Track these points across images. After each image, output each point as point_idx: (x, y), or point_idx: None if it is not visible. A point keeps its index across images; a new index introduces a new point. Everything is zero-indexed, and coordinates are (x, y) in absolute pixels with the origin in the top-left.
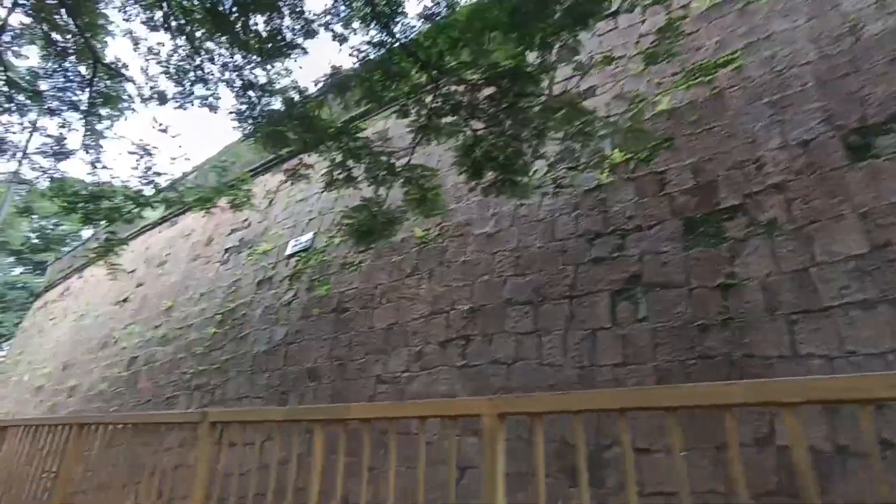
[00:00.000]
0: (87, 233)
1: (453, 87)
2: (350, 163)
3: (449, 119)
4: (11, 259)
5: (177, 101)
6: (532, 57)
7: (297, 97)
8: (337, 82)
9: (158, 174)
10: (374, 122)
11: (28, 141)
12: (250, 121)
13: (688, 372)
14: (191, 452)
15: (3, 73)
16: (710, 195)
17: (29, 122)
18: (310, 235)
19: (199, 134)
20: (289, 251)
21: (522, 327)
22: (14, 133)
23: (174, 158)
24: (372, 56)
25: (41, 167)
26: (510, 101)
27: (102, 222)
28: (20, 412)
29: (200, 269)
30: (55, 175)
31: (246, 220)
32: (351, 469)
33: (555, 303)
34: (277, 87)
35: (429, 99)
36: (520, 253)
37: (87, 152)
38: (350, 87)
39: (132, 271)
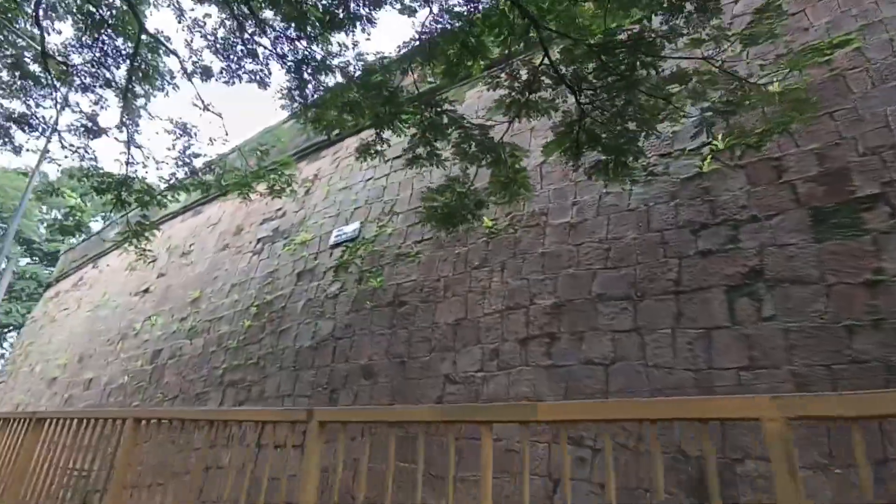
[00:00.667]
0: (96, 225)
1: (557, 56)
2: (430, 137)
3: (545, 93)
4: (20, 248)
5: (223, 77)
6: (656, 22)
7: (362, 67)
8: (423, 48)
9: (196, 155)
10: (459, 95)
11: (57, 117)
12: (301, 98)
13: (837, 378)
14: (225, 452)
15: (36, 45)
16: (841, 183)
17: (60, 97)
18: (356, 225)
19: (237, 116)
20: (332, 241)
21: (619, 325)
22: (45, 108)
23: (212, 140)
24: (457, 21)
25: (71, 145)
26: (625, 72)
27: (133, 206)
28: (32, 404)
29: (230, 260)
30: (86, 154)
31: (280, 209)
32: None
33: (657, 298)
34: (336, 61)
35: (523, 74)
36: (609, 245)
37: (122, 130)
38: (437, 55)
39: (153, 261)
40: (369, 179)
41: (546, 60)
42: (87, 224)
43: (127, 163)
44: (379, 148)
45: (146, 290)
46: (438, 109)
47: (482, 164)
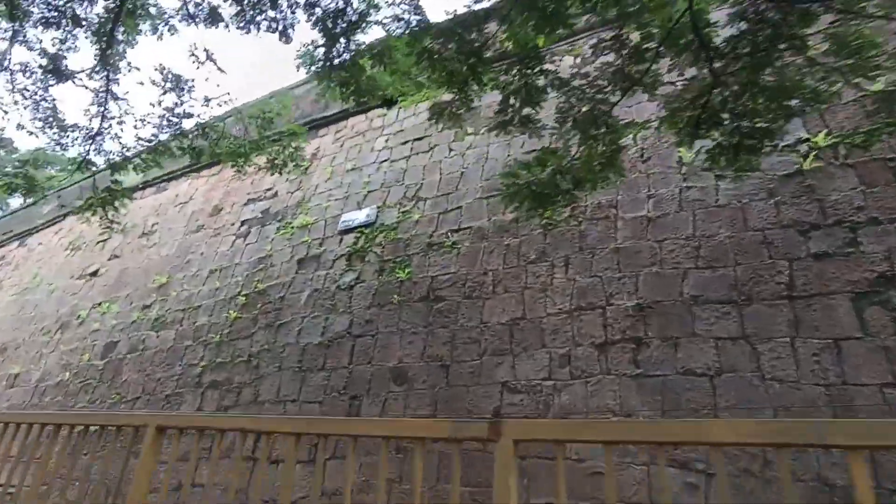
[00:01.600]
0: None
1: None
2: (523, 99)
3: (656, 64)
4: None
5: (236, 22)
6: None
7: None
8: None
9: (187, 115)
10: (557, 55)
11: (7, 52)
12: (329, 57)
13: None
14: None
15: None
16: None
17: (8, 27)
18: (372, 209)
19: (237, 74)
20: (342, 227)
21: (722, 331)
22: None
23: (209, 100)
24: None
25: (25, 89)
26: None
27: (102, 168)
28: None
29: (206, 243)
30: (43, 101)
31: (270, 189)
32: None
33: (767, 303)
34: (381, 15)
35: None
36: (699, 242)
37: (96, 75)
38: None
39: (103, 241)
40: (384, 161)
41: (686, 18)
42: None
43: (102, 116)
44: (460, 110)
45: (94, 273)
46: (537, 68)
47: (587, 137)
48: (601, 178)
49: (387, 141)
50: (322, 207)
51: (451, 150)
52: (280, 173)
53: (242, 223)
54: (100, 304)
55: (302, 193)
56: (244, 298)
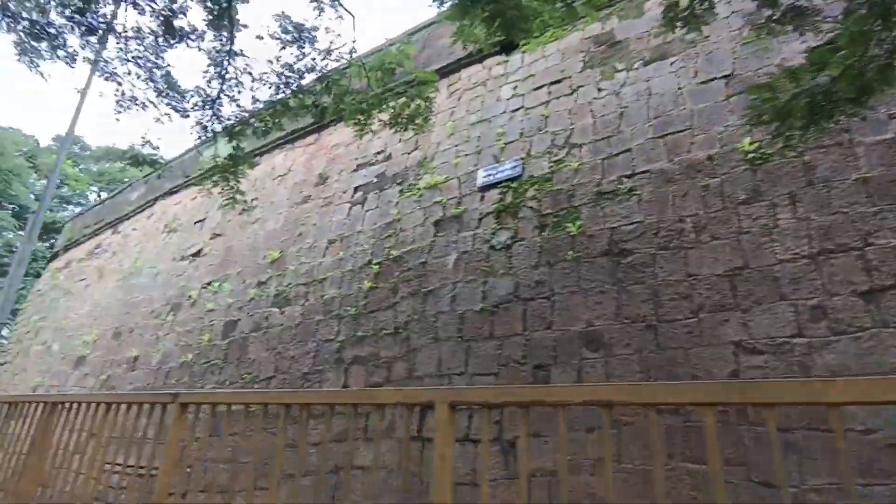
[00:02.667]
0: (90, 196)
1: None
2: None
3: None
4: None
5: None
6: None
7: None
8: None
9: (310, 70)
10: None
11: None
12: None
13: None
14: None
15: None
16: None
17: None
18: (515, 161)
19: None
20: (481, 182)
21: None
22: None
23: (330, 51)
24: None
25: (136, 58)
26: None
27: (221, 136)
28: (57, 387)
29: (318, 213)
30: (156, 68)
31: (381, 152)
32: None
33: None
34: None
35: None
36: None
37: (206, 37)
38: None
39: (201, 220)
40: (517, 109)
41: None
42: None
43: (222, 78)
44: (701, 7)
45: (197, 254)
46: None
47: (889, 25)
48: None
49: (515, 88)
50: (451, 165)
51: (599, 89)
52: (406, 129)
53: (356, 190)
54: (209, 283)
55: (422, 153)
56: (377, 267)
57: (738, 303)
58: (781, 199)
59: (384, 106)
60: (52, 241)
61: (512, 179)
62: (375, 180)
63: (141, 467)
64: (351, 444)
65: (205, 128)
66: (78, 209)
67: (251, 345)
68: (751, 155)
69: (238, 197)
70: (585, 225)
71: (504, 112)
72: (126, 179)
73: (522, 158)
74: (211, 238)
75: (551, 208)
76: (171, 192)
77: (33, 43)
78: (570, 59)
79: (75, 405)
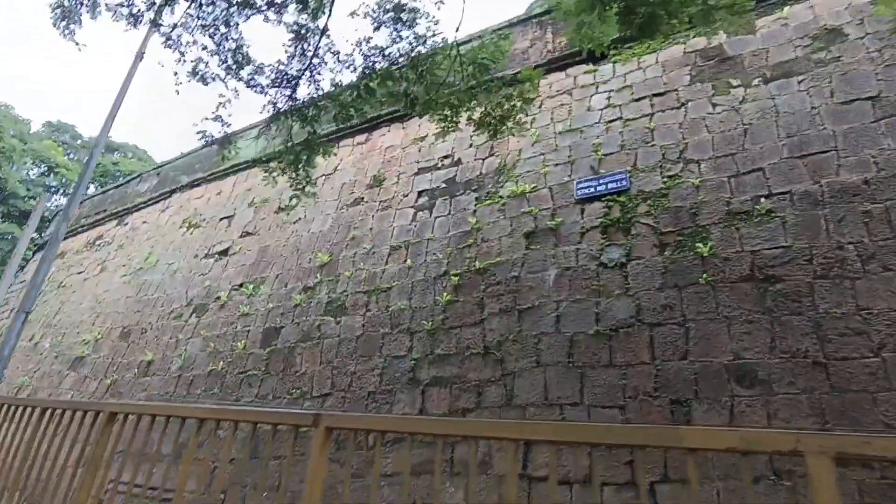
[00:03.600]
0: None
1: None
2: None
3: None
4: None
5: None
6: None
7: None
8: None
9: (403, 55)
10: None
11: None
12: None
13: None
14: None
15: None
16: None
17: None
18: (622, 174)
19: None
20: (580, 195)
21: None
22: None
23: (425, 38)
24: None
25: (205, 25)
26: None
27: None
28: (48, 389)
29: (375, 217)
30: (226, 39)
31: (448, 156)
32: None
33: None
34: None
35: None
36: None
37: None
38: None
39: (228, 217)
40: (614, 120)
41: None
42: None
43: (312, 54)
44: None
45: (224, 252)
46: None
47: None
48: None
49: (608, 98)
50: (538, 174)
51: (714, 104)
52: (495, 135)
53: (420, 194)
54: (241, 285)
55: (499, 159)
56: (456, 279)
57: None
58: None
59: (473, 102)
60: (44, 229)
61: (618, 193)
62: (444, 185)
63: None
64: (431, 479)
65: (277, 108)
66: (65, 199)
67: (298, 356)
68: None
69: (308, 188)
70: (718, 246)
71: (598, 122)
72: (119, 172)
73: (628, 171)
74: (241, 236)
75: (672, 226)
76: (192, 185)
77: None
78: (675, 72)
79: (156, 417)
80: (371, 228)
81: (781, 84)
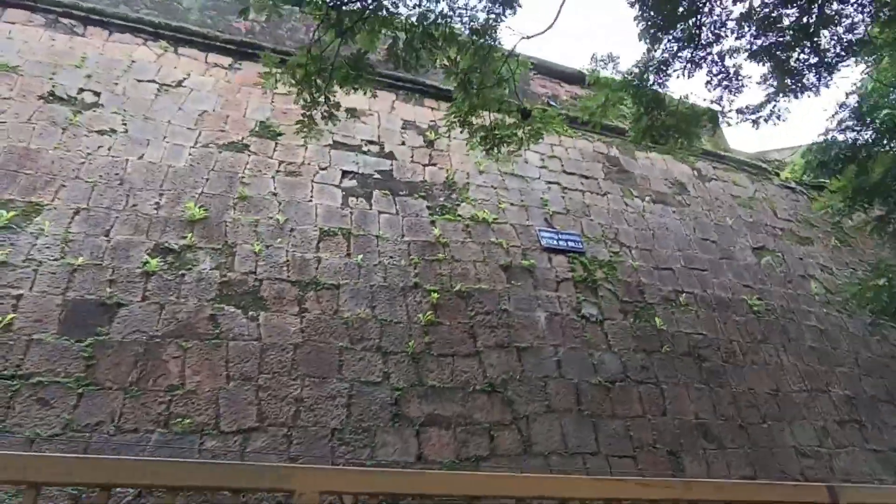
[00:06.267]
0: None
1: None
2: None
3: None
4: None
5: None
6: None
7: None
8: None
9: None
10: None
11: None
12: None
13: None
14: None
15: None
16: None
17: None
18: (575, 236)
19: None
20: (546, 244)
21: None
22: None
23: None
24: None
25: None
26: None
27: None
28: None
29: (278, 182)
30: None
31: (374, 142)
32: None
33: None
34: None
35: None
36: None
37: None
38: None
39: None
40: (553, 183)
41: None
42: None
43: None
44: None
45: None
46: None
47: None
48: None
49: (542, 160)
50: (497, 207)
51: (626, 204)
52: (491, 150)
53: (344, 174)
54: None
55: (445, 173)
56: (435, 296)
57: (784, 416)
58: (776, 344)
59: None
60: None
61: (577, 252)
62: (378, 176)
63: None
64: None
65: None
66: None
67: (173, 360)
68: (754, 306)
69: (335, 113)
70: (665, 323)
71: (539, 178)
72: None
73: (580, 235)
74: None
75: (629, 297)
76: None
77: None
78: (590, 165)
79: None
80: (275, 194)
81: (664, 208)
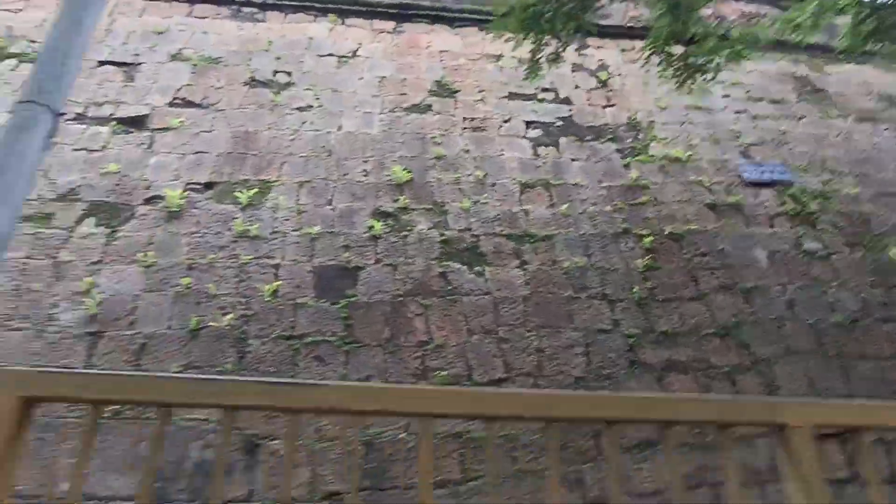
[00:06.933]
0: None
1: None
2: None
3: None
4: None
5: None
6: None
7: None
8: None
9: None
10: None
11: None
12: None
13: None
14: None
15: None
16: None
17: None
18: (781, 167)
19: None
20: (749, 178)
21: None
22: None
23: None
24: None
25: None
26: None
27: None
28: None
29: (466, 137)
30: None
31: (550, 89)
32: None
33: None
34: None
35: None
36: None
37: None
38: None
39: (127, 63)
40: (741, 112)
41: None
42: None
43: None
44: None
45: (135, 122)
46: None
47: None
48: None
49: (725, 89)
50: (687, 143)
51: (828, 126)
52: (683, 84)
53: (528, 125)
54: (209, 184)
55: (624, 113)
56: (648, 240)
57: None
58: None
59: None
60: None
61: (783, 185)
62: (560, 124)
63: None
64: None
65: None
66: None
67: (416, 317)
68: None
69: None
70: None
71: (725, 109)
72: None
73: (785, 166)
74: (171, 103)
75: (852, 228)
76: None
77: None
78: (779, 86)
79: None
80: (467, 151)
81: (874, 126)
